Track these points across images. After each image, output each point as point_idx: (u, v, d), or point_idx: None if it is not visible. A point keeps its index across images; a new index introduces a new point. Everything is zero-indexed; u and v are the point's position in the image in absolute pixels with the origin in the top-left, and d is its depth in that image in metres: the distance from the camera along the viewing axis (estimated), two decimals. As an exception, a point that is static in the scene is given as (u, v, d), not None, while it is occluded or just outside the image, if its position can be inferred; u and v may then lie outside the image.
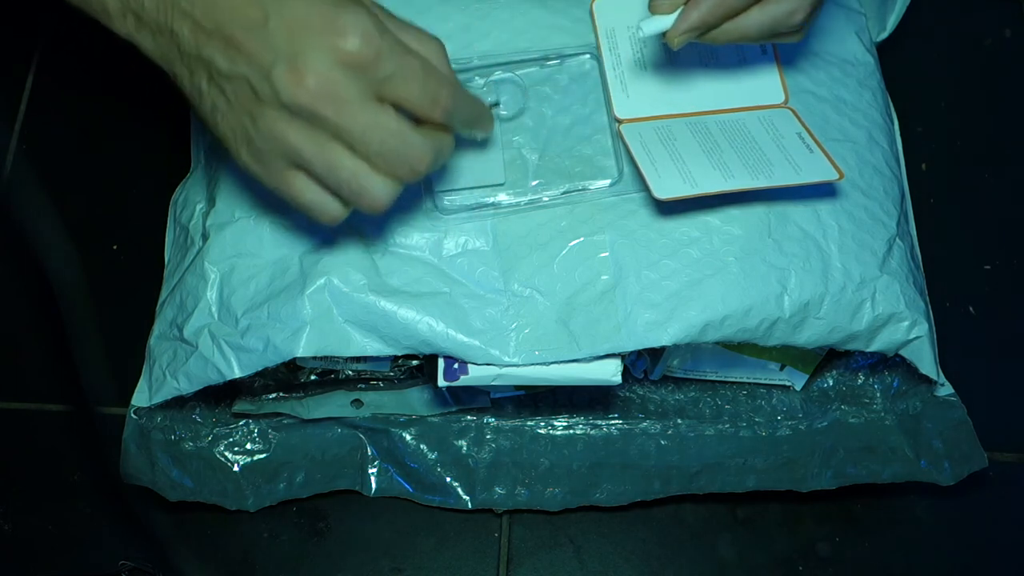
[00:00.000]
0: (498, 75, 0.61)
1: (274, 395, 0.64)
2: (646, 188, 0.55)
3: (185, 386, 0.58)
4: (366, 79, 0.45)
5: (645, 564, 0.65)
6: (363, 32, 0.44)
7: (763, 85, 0.61)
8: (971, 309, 0.72)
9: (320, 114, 0.45)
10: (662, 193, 0.54)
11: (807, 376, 0.66)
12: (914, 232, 0.65)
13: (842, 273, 0.57)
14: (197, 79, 0.47)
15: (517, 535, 0.65)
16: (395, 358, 0.64)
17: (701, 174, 0.55)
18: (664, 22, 0.53)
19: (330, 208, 0.49)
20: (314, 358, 0.58)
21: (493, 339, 0.56)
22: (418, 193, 0.58)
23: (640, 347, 0.56)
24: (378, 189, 0.47)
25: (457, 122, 0.50)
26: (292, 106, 0.45)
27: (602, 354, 0.56)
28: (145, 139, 0.74)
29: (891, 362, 0.65)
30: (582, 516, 0.65)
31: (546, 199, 0.58)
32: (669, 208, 0.57)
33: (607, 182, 0.58)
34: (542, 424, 0.66)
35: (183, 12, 0.46)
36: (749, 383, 0.67)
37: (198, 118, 0.49)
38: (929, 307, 0.61)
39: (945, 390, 0.62)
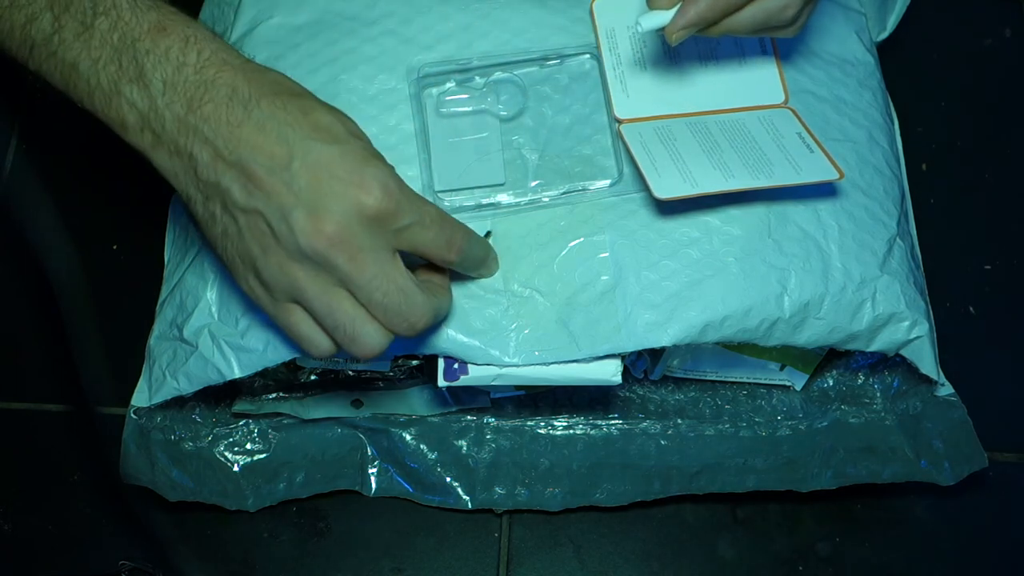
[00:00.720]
0: (498, 75, 0.60)
1: (274, 395, 0.64)
2: (646, 188, 0.55)
3: (185, 386, 0.58)
4: (383, 231, 0.47)
5: (645, 564, 0.65)
6: (384, 187, 0.46)
7: (763, 85, 0.61)
8: (971, 309, 0.72)
9: (332, 261, 0.46)
10: (662, 193, 0.54)
11: (807, 376, 0.66)
12: (914, 232, 0.65)
13: (842, 273, 0.57)
14: (211, 205, 0.48)
15: (517, 535, 0.65)
16: (395, 358, 0.64)
17: (701, 174, 0.55)
18: (662, 17, 0.53)
19: (321, 345, 0.50)
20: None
21: (493, 339, 0.56)
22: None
23: (640, 348, 0.56)
24: (371, 338, 0.48)
25: (468, 264, 0.53)
26: (306, 250, 0.46)
27: (602, 354, 0.56)
28: (145, 139, 0.74)
29: (891, 362, 0.65)
30: (582, 516, 0.65)
31: (546, 199, 0.58)
32: (669, 208, 0.57)
33: (607, 182, 0.58)
34: (542, 424, 0.66)
35: (204, 138, 0.46)
36: (749, 383, 0.67)
37: (206, 237, 0.50)
38: (929, 307, 0.61)
39: (945, 390, 0.62)
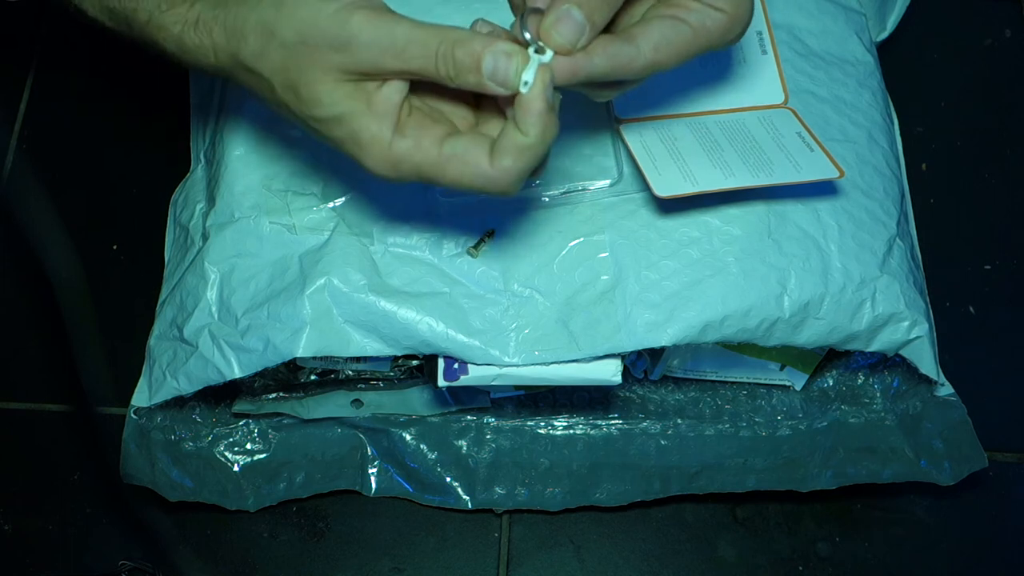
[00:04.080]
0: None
1: (274, 395, 0.64)
2: (647, 186, 0.54)
3: (185, 386, 0.58)
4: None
5: (645, 564, 0.65)
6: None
7: (763, 85, 0.61)
8: (971, 309, 0.72)
9: (398, 177, 0.47)
10: (663, 191, 0.54)
11: (807, 376, 0.66)
12: (914, 232, 0.65)
13: (842, 273, 0.57)
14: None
15: (517, 535, 0.65)
16: (395, 358, 0.64)
17: (702, 172, 0.55)
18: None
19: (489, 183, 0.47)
20: (314, 358, 0.58)
21: (493, 339, 0.56)
22: (418, 193, 0.58)
23: (640, 348, 0.56)
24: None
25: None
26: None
27: (602, 354, 0.56)
28: (145, 139, 0.74)
29: (891, 362, 0.65)
30: (582, 516, 0.65)
31: (546, 199, 0.58)
32: (669, 207, 0.57)
33: (607, 182, 0.58)
34: (542, 424, 0.66)
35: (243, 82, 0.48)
36: (749, 383, 0.67)
37: None
38: (929, 307, 0.61)
39: (945, 390, 0.62)
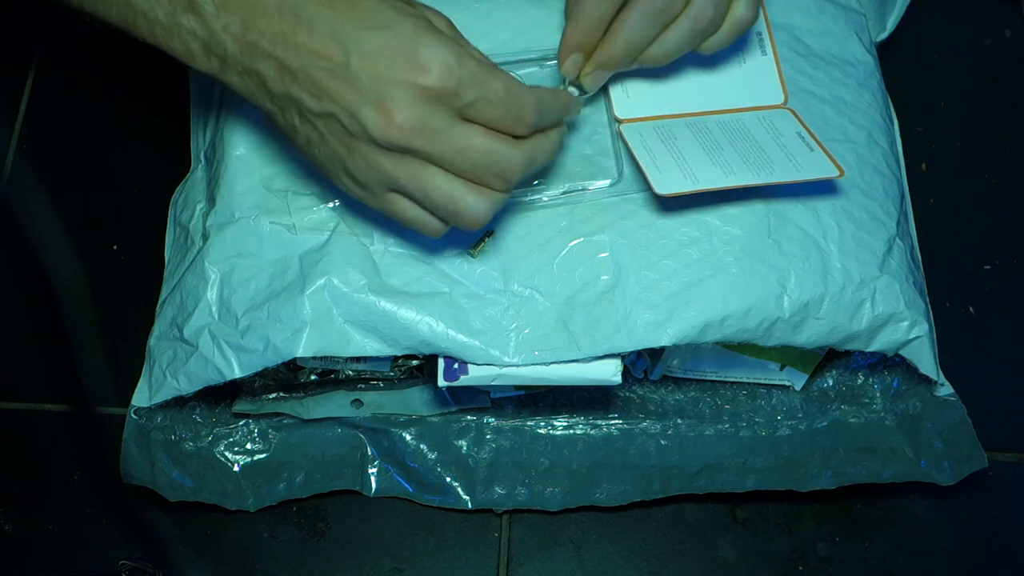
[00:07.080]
0: (498, 75, 0.60)
1: (274, 395, 0.64)
2: (647, 184, 0.55)
3: (185, 386, 0.58)
4: (451, 107, 0.47)
5: (645, 564, 0.65)
6: (442, 64, 0.46)
7: (763, 85, 0.61)
8: (971, 309, 0.72)
9: (411, 147, 0.47)
10: (663, 189, 0.54)
11: (807, 376, 0.66)
12: (914, 232, 0.65)
13: (842, 273, 0.57)
14: (289, 116, 0.49)
15: (517, 535, 0.65)
16: (395, 358, 0.64)
17: (702, 171, 0.55)
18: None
19: (431, 225, 0.51)
20: (314, 358, 0.58)
21: (493, 339, 0.56)
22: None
23: (639, 348, 0.56)
24: (473, 208, 0.49)
25: (544, 125, 0.51)
26: (384, 143, 0.47)
27: (601, 354, 0.56)
28: (145, 139, 0.74)
29: (891, 362, 0.65)
30: (582, 516, 0.65)
31: (546, 199, 0.58)
32: (669, 206, 0.57)
33: (607, 182, 0.58)
34: (542, 424, 0.66)
35: (266, 54, 0.47)
36: (749, 383, 0.67)
37: (293, 147, 0.51)
38: (929, 307, 0.61)
39: (945, 390, 0.62)
